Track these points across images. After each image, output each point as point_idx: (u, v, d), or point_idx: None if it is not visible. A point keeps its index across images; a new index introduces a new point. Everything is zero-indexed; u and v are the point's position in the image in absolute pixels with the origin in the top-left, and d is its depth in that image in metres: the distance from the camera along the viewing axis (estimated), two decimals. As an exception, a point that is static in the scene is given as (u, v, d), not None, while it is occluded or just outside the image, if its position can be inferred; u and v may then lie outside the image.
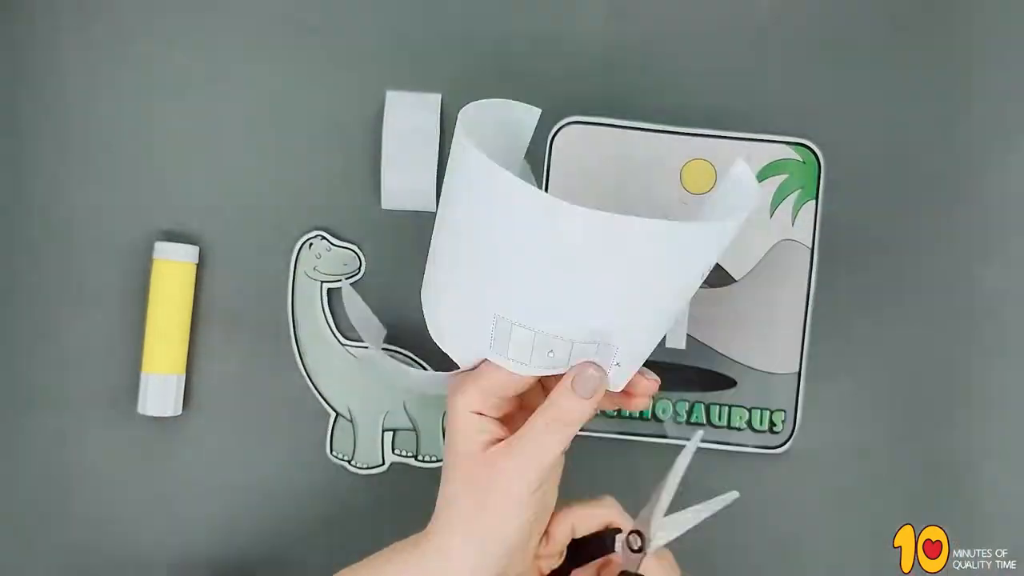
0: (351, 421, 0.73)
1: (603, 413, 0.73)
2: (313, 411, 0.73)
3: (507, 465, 0.54)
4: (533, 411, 0.56)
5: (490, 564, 0.55)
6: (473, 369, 0.56)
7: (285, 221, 0.73)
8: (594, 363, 0.53)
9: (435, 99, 0.73)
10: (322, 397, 0.73)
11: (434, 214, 0.64)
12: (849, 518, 0.75)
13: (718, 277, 0.74)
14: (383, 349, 0.73)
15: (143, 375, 0.71)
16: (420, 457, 0.73)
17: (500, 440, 0.55)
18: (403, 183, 0.72)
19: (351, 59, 0.74)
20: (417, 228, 0.73)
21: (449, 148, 0.57)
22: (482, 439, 0.55)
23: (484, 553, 0.55)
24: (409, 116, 0.73)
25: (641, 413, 0.74)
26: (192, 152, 0.73)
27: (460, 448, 0.56)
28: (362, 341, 0.73)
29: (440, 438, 0.73)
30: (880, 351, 0.75)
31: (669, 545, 0.62)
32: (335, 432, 0.73)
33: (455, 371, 0.58)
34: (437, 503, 0.58)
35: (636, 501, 0.74)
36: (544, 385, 0.58)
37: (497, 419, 0.56)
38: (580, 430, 0.74)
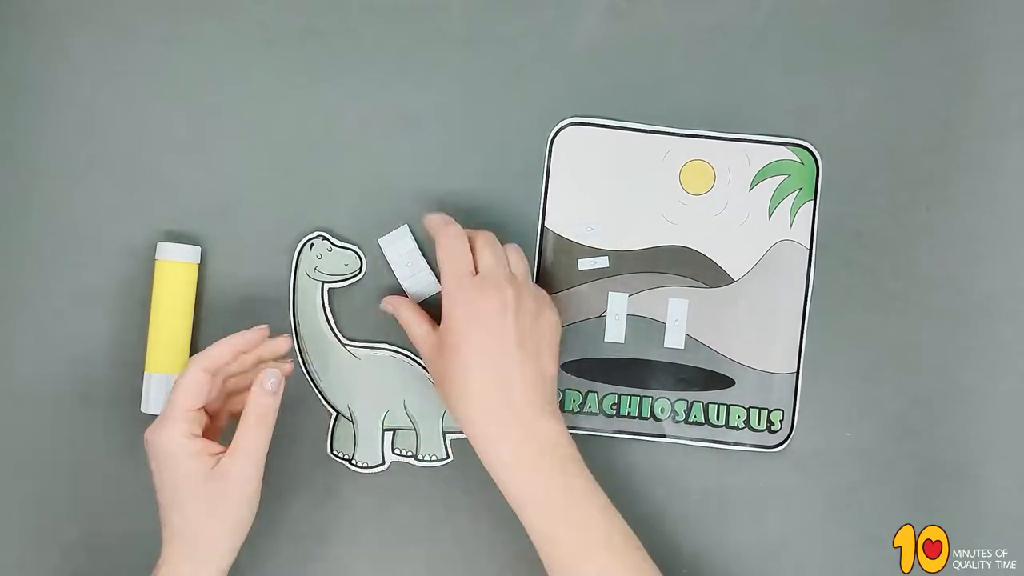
0: (351, 421, 0.73)
1: (603, 413, 0.74)
2: (313, 411, 0.73)
3: (238, 469, 0.63)
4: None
5: (231, 556, 0.65)
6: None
7: (286, 221, 0.73)
8: (274, 364, 0.67)
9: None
10: (322, 397, 0.73)
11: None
12: (849, 518, 0.75)
13: (717, 277, 0.74)
14: (383, 350, 0.73)
15: (146, 375, 0.72)
16: (420, 457, 0.73)
17: (216, 452, 0.64)
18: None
19: (351, 59, 0.74)
20: (418, 227, 0.74)
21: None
22: (206, 459, 0.63)
23: (235, 549, 0.65)
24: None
25: (640, 412, 0.74)
26: (194, 153, 0.74)
27: (186, 472, 0.63)
28: (362, 341, 0.73)
29: (441, 438, 0.73)
30: (878, 351, 0.75)
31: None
32: (335, 432, 0.73)
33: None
34: (163, 538, 0.64)
35: (636, 501, 0.74)
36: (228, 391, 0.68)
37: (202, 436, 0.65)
38: (580, 429, 0.75)
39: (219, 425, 0.68)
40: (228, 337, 0.66)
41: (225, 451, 0.64)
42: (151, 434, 0.64)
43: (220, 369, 0.66)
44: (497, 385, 0.64)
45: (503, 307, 0.65)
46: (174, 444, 0.63)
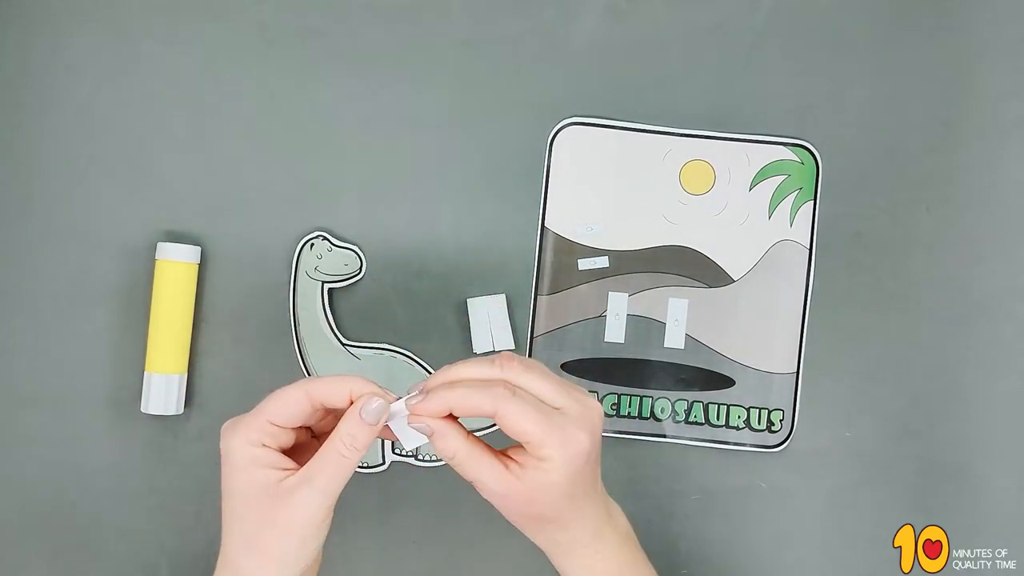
0: (351, 420, 0.73)
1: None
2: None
3: (302, 498, 0.55)
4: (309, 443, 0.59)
5: None
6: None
7: (286, 222, 0.73)
8: (379, 394, 0.56)
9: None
10: (322, 396, 0.73)
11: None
12: (849, 518, 0.75)
13: (716, 277, 0.74)
14: (383, 350, 0.73)
15: (146, 375, 0.72)
16: (420, 457, 0.74)
17: (287, 470, 0.56)
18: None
19: (351, 59, 0.74)
20: (417, 227, 0.74)
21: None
22: (273, 472, 0.55)
23: None
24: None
25: (640, 412, 0.74)
26: (194, 153, 0.74)
27: (245, 485, 0.55)
28: (362, 341, 0.73)
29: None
30: (878, 350, 0.75)
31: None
32: (335, 431, 0.73)
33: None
34: (217, 565, 0.57)
35: (636, 500, 0.74)
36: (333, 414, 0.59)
37: (279, 451, 0.57)
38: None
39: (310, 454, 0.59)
40: (354, 375, 0.57)
41: (294, 473, 0.55)
42: (222, 433, 0.57)
43: (327, 404, 0.57)
44: (591, 511, 0.59)
45: (595, 440, 0.57)
46: (238, 449, 0.55)
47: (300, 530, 0.55)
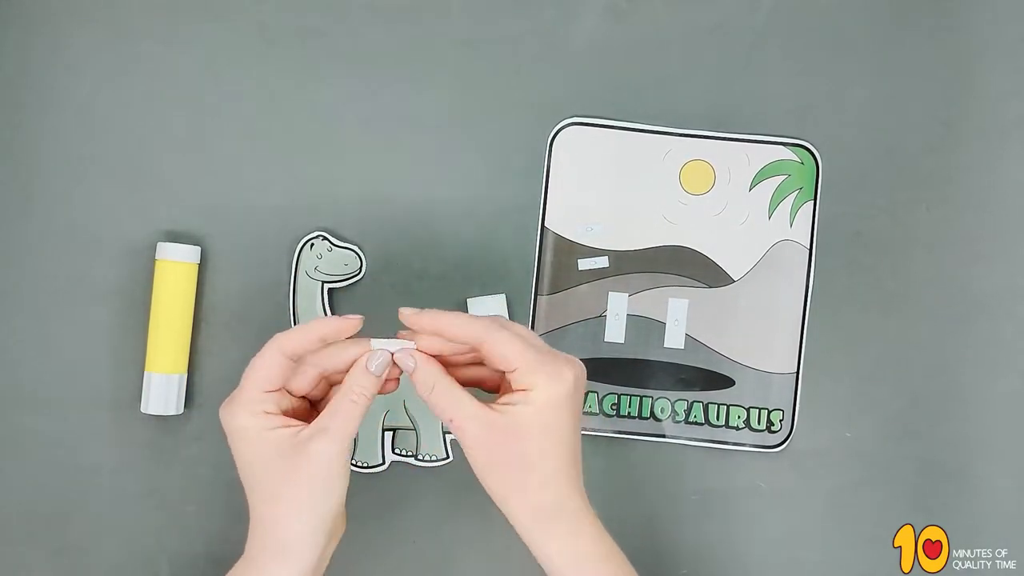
0: (351, 420, 0.73)
1: (603, 413, 0.74)
2: (313, 410, 0.73)
3: (317, 446, 0.57)
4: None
5: (321, 544, 0.58)
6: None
7: (286, 221, 0.73)
8: (384, 348, 0.60)
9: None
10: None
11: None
12: (849, 518, 0.75)
13: (716, 277, 0.74)
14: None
15: (146, 374, 0.72)
16: (420, 457, 0.74)
17: (297, 427, 0.58)
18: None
19: (351, 59, 0.74)
20: (417, 227, 0.74)
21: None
22: (285, 431, 0.58)
23: (315, 544, 0.58)
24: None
25: (640, 412, 0.74)
26: (194, 153, 0.74)
27: (258, 449, 0.58)
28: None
29: (441, 438, 0.73)
30: (878, 351, 0.75)
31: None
32: (335, 431, 0.73)
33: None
34: (249, 530, 0.59)
35: (636, 500, 0.74)
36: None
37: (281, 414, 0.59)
38: (580, 430, 0.75)
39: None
40: (317, 319, 0.61)
41: (305, 427, 0.58)
42: (220, 413, 0.59)
43: (303, 356, 0.60)
44: (572, 467, 0.59)
45: (579, 383, 0.59)
46: (240, 423, 0.58)
47: (321, 477, 0.57)
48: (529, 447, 0.58)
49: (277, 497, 0.58)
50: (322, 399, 0.63)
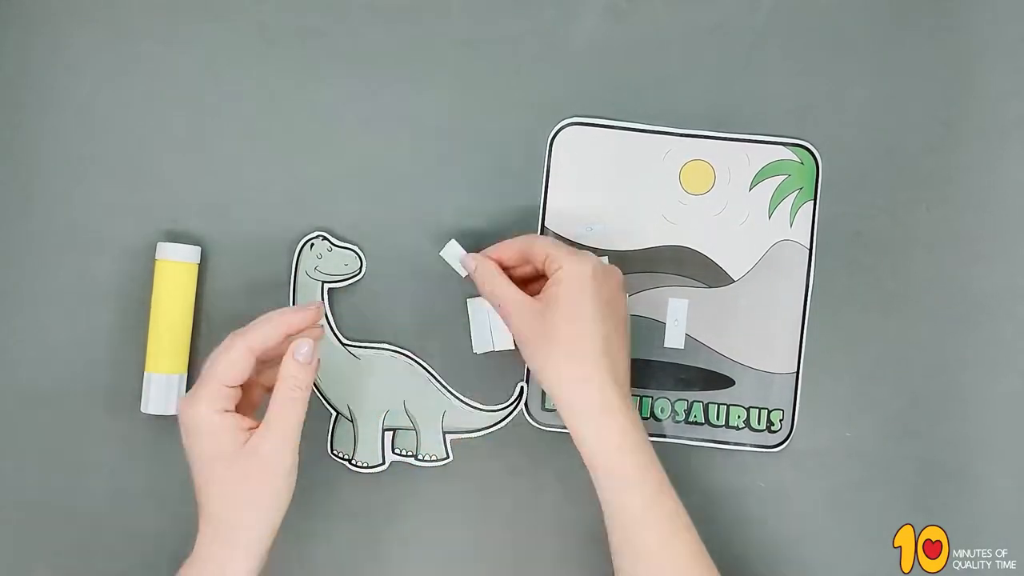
0: (351, 420, 0.73)
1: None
2: (313, 410, 0.73)
3: (269, 446, 0.61)
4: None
5: (273, 535, 0.63)
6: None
7: (286, 222, 0.73)
8: (306, 333, 0.64)
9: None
10: (322, 396, 0.73)
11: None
12: (849, 518, 0.75)
13: (716, 277, 0.74)
14: (383, 350, 0.73)
15: (146, 375, 0.72)
16: (420, 457, 0.74)
17: (249, 428, 0.62)
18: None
19: (351, 59, 0.74)
20: (417, 227, 0.74)
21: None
22: (238, 434, 0.61)
23: (269, 536, 0.62)
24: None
25: (640, 412, 0.74)
26: (194, 153, 0.74)
27: (216, 449, 0.61)
28: (362, 341, 0.73)
29: (441, 437, 0.73)
30: (878, 350, 0.75)
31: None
32: (335, 431, 0.73)
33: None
34: (199, 521, 0.62)
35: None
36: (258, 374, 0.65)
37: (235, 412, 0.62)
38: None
39: (253, 399, 0.66)
40: (279, 314, 0.63)
41: (258, 426, 0.61)
42: (182, 407, 0.62)
43: (267, 349, 0.63)
44: (603, 355, 0.64)
45: (618, 283, 0.67)
46: (204, 419, 0.61)
47: (272, 476, 0.61)
48: (556, 320, 0.64)
49: (233, 495, 0.61)
50: (254, 383, 0.66)
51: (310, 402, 0.73)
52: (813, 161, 0.74)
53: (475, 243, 0.72)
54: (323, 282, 0.73)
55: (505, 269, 0.69)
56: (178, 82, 0.73)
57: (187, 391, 0.73)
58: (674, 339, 0.74)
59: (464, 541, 0.74)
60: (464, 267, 0.70)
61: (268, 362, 0.65)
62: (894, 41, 0.75)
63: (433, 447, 0.74)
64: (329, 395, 0.73)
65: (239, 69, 0.74)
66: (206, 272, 0.73)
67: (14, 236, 0.73)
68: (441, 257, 0.71)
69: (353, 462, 0.73)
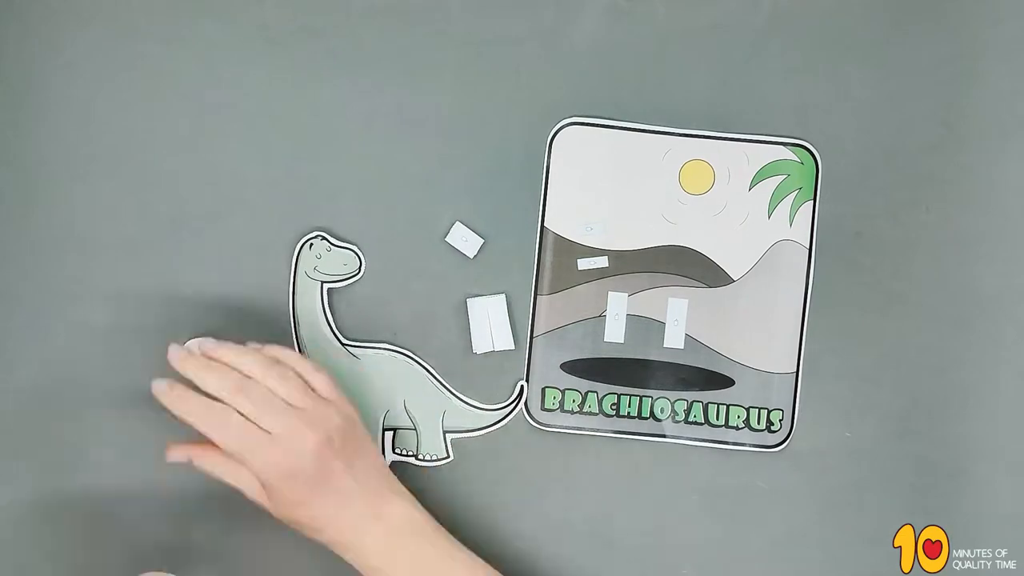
0: (351, 420, 0.73)
1: (603, 413, 0.74)
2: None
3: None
4: None
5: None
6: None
7: (286, 222, 0.73)
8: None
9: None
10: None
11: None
12: (848, 518, 0.75)
13: (716, 277, 0.74)
14: (383, 350, 0.73)
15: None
16: (420, 457, 0.74)
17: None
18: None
19: (351, 59, 0.74)
20: (417, 227, 0.74)
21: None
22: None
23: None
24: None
25: (640, 412, 0.74)
26: (194, 153, 0.74)
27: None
28: (362, 341, 0.73)
29: (441, 437, 0.73)
30: (878, 350, 0.75)
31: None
32: (335, 431, 0.73)
33: None
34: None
35: (636, 500, 0.74)
36: None
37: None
38: (580, 429, 0.75)
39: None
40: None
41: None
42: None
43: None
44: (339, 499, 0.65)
45: (317, 452, 0.64)
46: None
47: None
48: (292, 512, 0.66)
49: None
50: None
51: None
52: (813, 161, 0.74)
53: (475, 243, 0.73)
54: (322, 282, 0.73)
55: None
56: (178, 82, 0.73)
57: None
58: (674, 339, 0.74)
59: (464, 541, 0.74)
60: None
61: None
62: (894, 41, 0.75)
63: (433, 447, 0.74)
64: (329, 395, 0.73)
65: (240, 69, 0.74)
66: (206, 272, 0.73)
67: (14, 236, 0.73)
68: (447, 242, 0.72)
69: (353, 462, 0.73)
